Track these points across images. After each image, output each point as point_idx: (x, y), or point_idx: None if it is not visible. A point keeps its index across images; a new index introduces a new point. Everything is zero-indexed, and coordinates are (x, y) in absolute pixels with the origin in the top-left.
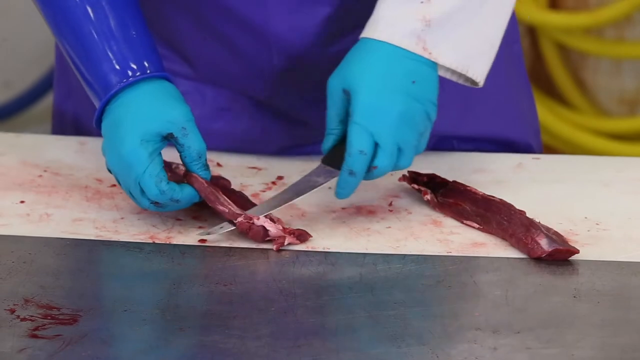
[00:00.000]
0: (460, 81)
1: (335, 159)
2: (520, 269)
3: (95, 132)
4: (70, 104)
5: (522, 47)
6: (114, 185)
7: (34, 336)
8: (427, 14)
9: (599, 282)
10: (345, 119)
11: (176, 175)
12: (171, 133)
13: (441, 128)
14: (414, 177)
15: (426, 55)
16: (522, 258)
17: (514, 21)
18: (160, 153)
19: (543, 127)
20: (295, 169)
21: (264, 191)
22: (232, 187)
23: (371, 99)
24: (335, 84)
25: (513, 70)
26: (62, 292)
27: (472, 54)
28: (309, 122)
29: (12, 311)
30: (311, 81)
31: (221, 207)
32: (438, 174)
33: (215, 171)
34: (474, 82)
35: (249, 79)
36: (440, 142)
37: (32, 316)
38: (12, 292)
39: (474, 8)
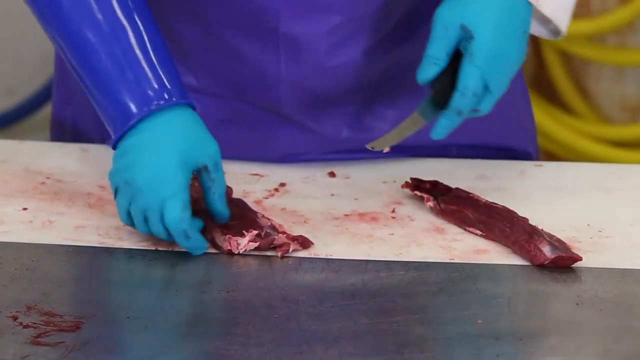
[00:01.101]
0: (542, 35)
1: (438, 92)
2: (523, 276)
3: (95, 139)
4: (69, 112)
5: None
6: None
7: (37, 343)
8: None
9: (601, 289)
10: (453, 52)
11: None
12: (206, 166)
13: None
14: (417, 184)
15: (534, 3)
16: (525, 265)
17: None
18: (189, 186)
19: (545, 134)
20: (297, 175)
21: (266, 198)
22: (233, 194)
23: (494, 45)
24: (451, 16)
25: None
26: (65, 299)
27: (564, 7)
28: (313, 128)
29: (15, 318)
30: (319, 87)
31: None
32: (441, 180)
33: None
34: (556, 34)
35: (254, 86)
36: (440, 150)
37: (34, 323)
38: (14, 299)
39: None
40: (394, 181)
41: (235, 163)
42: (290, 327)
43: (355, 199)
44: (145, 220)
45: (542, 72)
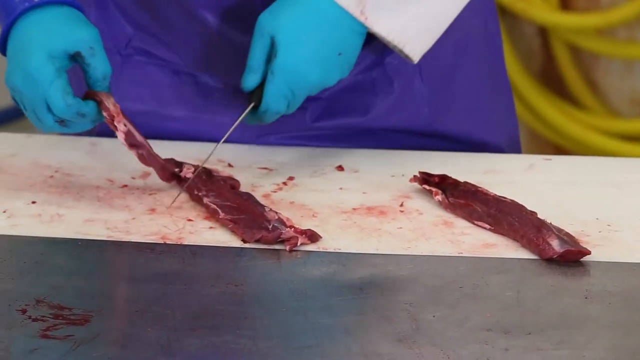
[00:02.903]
0: (397, 51)
1: (254, 96)
2: (532, 270)
3: (104, 133)
4: None
5: (531, 48)
6: (125, 186)
7: (46, 336)
8: None
9: (610, 283)
10: (269, 60)
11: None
12: (79, 52)
13: (408, 123)
14: (425, 178)
15: (362, 20)
16: (534, 259)
17: (496, 24)
18: (66, 71)
19: (554, 128)
20: (306, 169)
21: (274, 191)
22: (241, 187)
23: (296, 65)
24: (266, 25)
25: (492, 72)
26: (74, 293)
27: (411, 30)
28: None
29: (24, 311)
30: None
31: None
32: (449, 174)
33: (226, 172)
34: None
35: (235, 69)
36: (405, 138)
37: (43, 317)
38: (23, 292)
39: None
40: (403, 175)
41: (244, 157)
42: (299, 321)
43: (364, 193)
44: (39, 120)
45: (551, 66)
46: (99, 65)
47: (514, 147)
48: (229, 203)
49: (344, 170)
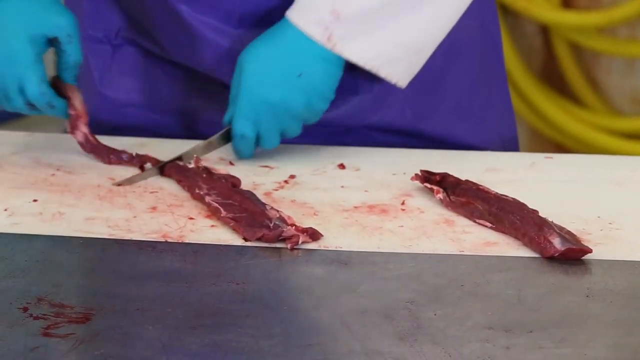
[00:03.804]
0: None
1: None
2: (533, 268)
3: (110, 129)
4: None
5: (533, 46)
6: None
7: (47, 334)
8: (339, 7)
9: (611, 281)
10: None
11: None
12: (57, 37)
13: (389, 123)
14: (427, 176)
15: (329, 47)
16: (535, 257)
17: (495, 25)
18: (42, 58)
19: (556, 126)
20: (307, 167)
21: (276, 190)
22: (242, 186)
23: (256, 86)
24: (240, 60)
25: (488, 75)
26: (75, 291)
27: (385, 55)
28: None
29: (25, 309)
30: None
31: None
32: (450, 173)
33: (227, 170)
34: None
35: (213, 63)
36: (388, 137)
37: (44, 315)
38: (24, 290)
39: (392, 12)
40: (404, 173)
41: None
42: (300, 319)
43: (365, 191)
44: (7, 98)
45: (553, 64)
46: (73, 53)
47: (510, 150)
48: (230, 201)
49: (345, 169)
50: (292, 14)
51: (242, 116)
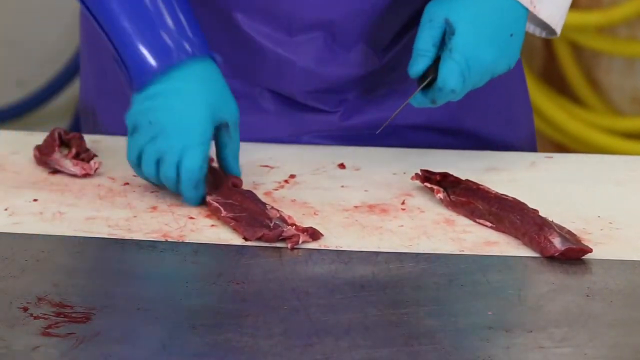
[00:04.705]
0: (536, 33)
1: (424, 78)
2: (533, 268)
3: (112, 128)
4: (92, 99)
5: (533, 46)
6: (127, 184)
7: (47, 334)
8: None
9: (612, 281)
10: (439, 44)
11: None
12: (227, 123)
13: (432, 120)
14: (427, 176)
15: (531, 9)
16: (535, 257)
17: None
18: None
19: (556, 126)
20: (307, 167)
21: (276, 189)
22: (242, 185)
23: (474, 42)
24: (437, 10)
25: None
26: (75, 291)
27: (559, 9)
28: (321, 111)
29: (26, 309)
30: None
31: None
32: (450, 172)
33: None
34: (551, 33)
35: (267, 71)
36: (429, 136)
37: (45, 314)
38: (25, 290)
39: None
40: (404, 173)
41: (245, 154)
42: (300, 319)
43: (365, 191)
44: (157, 163)
45: (553, 64)
46: (238, 140)
47: (530, 146)
48: (230, 201)
49: (345, 168)
50: None
51: (458, 70)
